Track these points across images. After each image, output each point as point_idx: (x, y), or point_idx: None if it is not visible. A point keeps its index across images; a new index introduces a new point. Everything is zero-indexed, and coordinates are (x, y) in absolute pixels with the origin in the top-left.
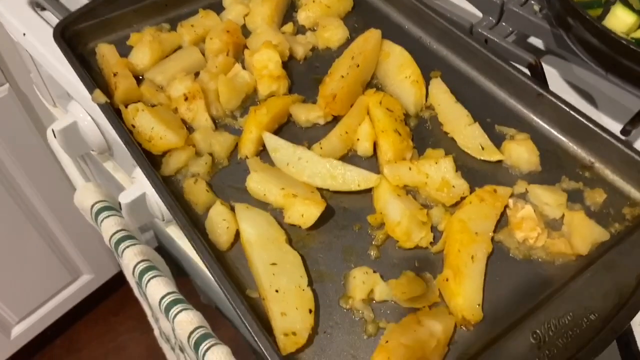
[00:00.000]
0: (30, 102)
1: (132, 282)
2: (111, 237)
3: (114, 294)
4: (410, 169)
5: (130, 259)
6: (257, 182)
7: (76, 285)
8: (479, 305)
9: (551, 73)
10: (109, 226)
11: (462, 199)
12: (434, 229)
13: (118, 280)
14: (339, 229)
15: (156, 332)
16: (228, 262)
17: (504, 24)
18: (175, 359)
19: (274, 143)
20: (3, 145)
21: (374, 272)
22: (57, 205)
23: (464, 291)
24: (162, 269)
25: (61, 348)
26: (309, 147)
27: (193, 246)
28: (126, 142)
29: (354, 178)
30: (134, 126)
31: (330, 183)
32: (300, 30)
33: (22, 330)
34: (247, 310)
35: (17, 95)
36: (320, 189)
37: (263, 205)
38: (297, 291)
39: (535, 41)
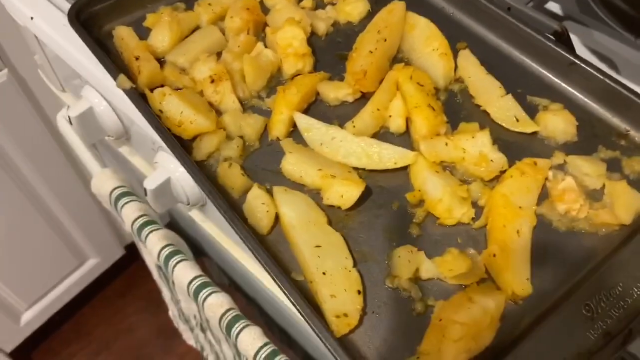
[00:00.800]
0: (30, 87)
1: (151, 265)
2: (133, 222)
3: (121, 277)
4: (446, 144)
5: (155, 243)
6: (293, 164)
7: (83, 269)
8: (527, 279)
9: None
10: (130, 212)
11: (501, 172)
12: (473, 204)
13: (124, 263)
14: (377, 208)
15: (171, 314)
16: (269, 245)
17: None
18: (192, 339)
19: (306, 123)
20: (4, 131)
21: (419, 250)
22: (61, 191)
23: (512, 266)
24: (185, 252)
25: (71, 332)
26: (341, 126)
27: (236, 231)
28: (157, 129)
29: (390, 156)
30: (161, 111)
31: (366, 162)
32: (319, 4)
33: (32, 316)
34: (299, 295)
35: (17, 80)
36: (355, 168)
37: (299, 187)
38: (344, 272)
39: (553, 6)
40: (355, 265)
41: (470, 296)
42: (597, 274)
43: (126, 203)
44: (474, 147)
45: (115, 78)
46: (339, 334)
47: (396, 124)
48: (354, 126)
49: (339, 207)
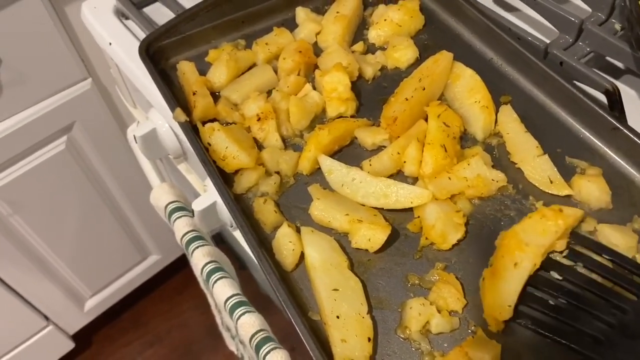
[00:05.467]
0: (112, 96)
1: (199, 277)
2: (182, 236)
3: (179, 274)
4: (450, 178)
5: (199, 259)
6: (321, 210)
7: (145, 264)
8: (510, 306)
9: (629, 95)
10: (181, 226)
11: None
12: None
13: (183, 261)
14: (400, 256)
15: (217, 320)
16: (292, 282)
17: (580, 43)
18: (234, 346)
19: (329, 165)
20: (86, 135)
21: (431, 304)
22: (131, 191)
23: (498, 291)
24: (228, 269)
25: (129, 321)
26: None
27: (260, 267)
28: (202, 161)
29: (406, 196)
30: (209, 144)
31: (384, 202)
32: (371, 48)
33: (95, 303)
34: (310, 335)
35: (99, 90)
36: (381, 212)
37: (327, 229)
38: (357, 318)
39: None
40: (370, 311)
41: (466, 351)
42: None
43: (178, 218)
44: (472, 172)
45: (173, 110)
46: None
47: (409, 170)
48: (371, 165)
49: (367, 250)
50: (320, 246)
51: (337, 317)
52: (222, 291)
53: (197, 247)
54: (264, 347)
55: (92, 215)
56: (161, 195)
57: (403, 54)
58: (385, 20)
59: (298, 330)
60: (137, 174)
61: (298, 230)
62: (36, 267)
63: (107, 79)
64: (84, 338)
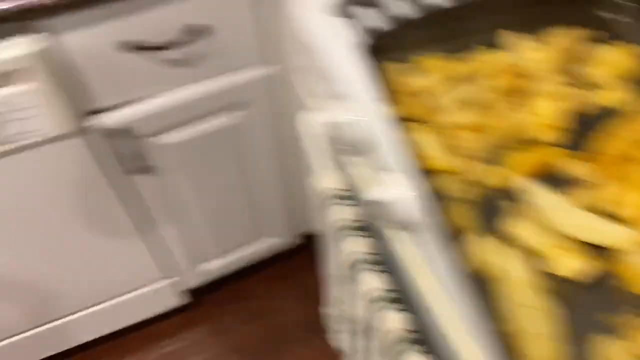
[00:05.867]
0: (291, 84)
1: (336, 262)
2: (336, 222)
3: (284, 262)
4: None
5: (357, 245)
6: (518, 228)
7: (256, 245)
8: None
9: None
10: (341, 213)
11: None
12: None
13: (290, 251)
14: (595, 292)
15: (333, 312)
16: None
17: None
18: (346, 342)
19: (530, 187)
20: (259, 115)
21: (625, 348)
22: (282, 175)
23: None
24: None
25: (234, 293)
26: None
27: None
28: (407, 157)
29: (614, 235)
30: (415, 143)
31: (587, 235)
32: (586, 85)
33: (213, 267)
34: (498, 345)
35: (283, 76)
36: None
37: (522, 248)
38: (547, 341)
39: None
40: (556, 338)
41: None
42: None
43: (338, 204)
44: None
45: (384, 107)
46: None
47: (616, 210)
48: (576, 196)
49: (562, 278)
50: (515, 262)
51: (527, 334)
52: (369, 282)
53: (353, 236)
54: (401, 348)
55: (237, 186)
56: (329, 182)
57: (619, 94)
58: (603, 59)
59: (484, 338)
60: (293, 159)
61: (489, 240)
62: (175, 223)
63: (291, 66)
64: (195, 297)
